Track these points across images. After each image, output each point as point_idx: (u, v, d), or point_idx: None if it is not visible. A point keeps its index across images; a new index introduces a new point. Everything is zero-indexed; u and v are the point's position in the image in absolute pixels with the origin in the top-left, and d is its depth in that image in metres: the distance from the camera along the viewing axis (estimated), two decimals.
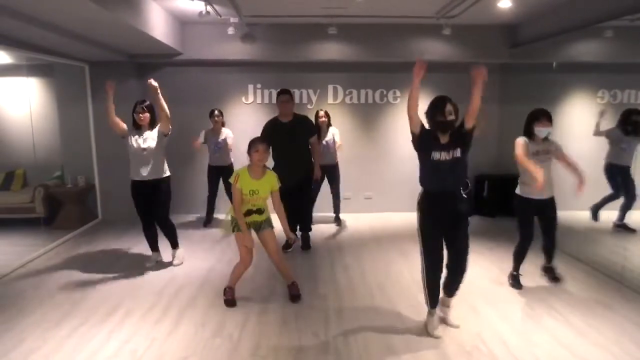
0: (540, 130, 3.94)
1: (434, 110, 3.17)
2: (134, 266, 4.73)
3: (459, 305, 3.79)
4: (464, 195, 3.23)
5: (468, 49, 6.58)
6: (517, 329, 3.44)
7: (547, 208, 4.10)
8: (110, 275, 4.51)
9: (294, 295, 3.92)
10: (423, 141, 3.18)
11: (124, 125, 4.50)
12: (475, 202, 7.12)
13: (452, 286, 3.44)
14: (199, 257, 5.07)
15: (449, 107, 3.15)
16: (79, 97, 6.39)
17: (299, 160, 4.97)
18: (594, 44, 6.17)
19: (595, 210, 5.60)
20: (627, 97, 6.78)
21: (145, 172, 4.48)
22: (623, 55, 5.96)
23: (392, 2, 5.29)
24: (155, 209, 4.62)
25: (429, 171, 3.20)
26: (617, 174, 5.52)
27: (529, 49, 6.33)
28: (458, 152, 3.16)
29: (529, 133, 4.03)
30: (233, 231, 3.74)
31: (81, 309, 3.75)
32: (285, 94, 4.90)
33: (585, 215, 6.01)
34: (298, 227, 5.24)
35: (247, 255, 3.78)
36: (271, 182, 3.74)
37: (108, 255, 5.12)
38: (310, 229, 5.36)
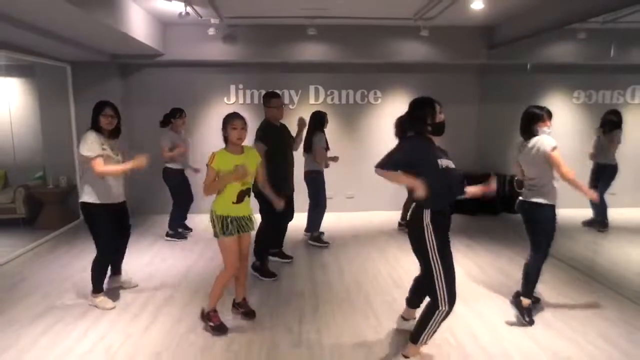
0: (544, 130, 3.55)
1: (428, 111, 2.82)
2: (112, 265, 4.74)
3: None
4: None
5: (447, 50, 6.70)
6: (488, 323, 3.54)
7: None
8: (87, 276, 4.48)
9: (249, 312, 3.62)
10: (423, 151, 2.79)
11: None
12: (455, 200, 7.23)
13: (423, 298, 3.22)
14: (178, 256, 5.11)
15: (438, 107, 2.85)
16: (61, 97, 6.39)
17: (292, 166, 4.63)
18: (568, 46, 6.33)
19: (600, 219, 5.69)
20: (601, 97, 6.95)
21: (120, 193, 3.86)
22: (596, 56, 6.12)
23: (370, 4, 5.39)
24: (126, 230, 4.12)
25: (439, 184, 2.71)
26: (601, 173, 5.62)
27: (507, 50, 6.47)
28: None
29: (529, 133, 3.62)
30: (217, 235, 3.27)
31: (57, 308, 3.78)
32: (277, 98, 4.39)
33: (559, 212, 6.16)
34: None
35: (236, 261, 3.33)
36: (254, 154, 3.40)
37: (86, 256, 5.12)
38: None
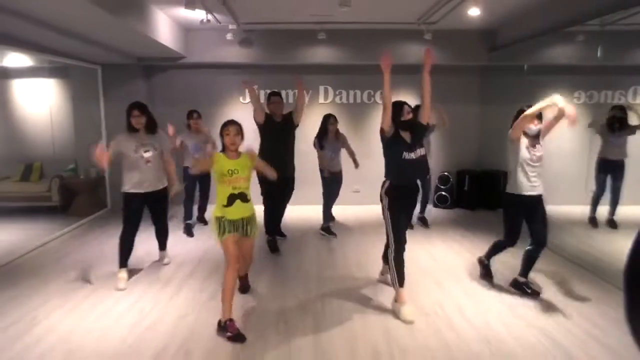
0: (530, 128, 3.92)
1: (397, 111, 3.59)
2: (139, 248, 5.10)
3: (426, 279, 4.37)
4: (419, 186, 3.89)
5: (449, 53, 7.10)
6: (476, 300, 3.93)
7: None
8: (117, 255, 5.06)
9: (244, 287, 4.03)
10: (393, 142, 3.62)
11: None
12: (456, 195, 7.65)
13: None
14: (197, 240, 5.66)
15: (406, 108, 3.65)
16: (92, 96, 6.99)
17: (287, 158, 5.18)
18: (568, 48, 6.55)
19: (593, 216, 5.91)
20: (603, 97, 7.17)
21: (148, 184, 4.28)
22: (594, 58, 6.35)
23: (375, 9, 5.83)
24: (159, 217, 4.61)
25: (399, 168, 3.64)
26: (607, 169, 5.76)
27: (507, 52, 6.78)
28: (422, 151, 3.64)
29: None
30: (218, 235, 3.38)
31: (95, 279, 4.34)
32: (276, 96, 5.16)
33: (561, 209, 6.47)
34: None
35: (235, 261, 3.36)
36: (247, 160, 3.44)
37: (115, 239, 5.58)
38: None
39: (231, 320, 3.29)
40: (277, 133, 5.11)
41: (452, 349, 3.12)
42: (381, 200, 3.77)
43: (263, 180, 4.59)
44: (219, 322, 3.36)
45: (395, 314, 3.62)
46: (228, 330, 3.25)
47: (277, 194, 5.13)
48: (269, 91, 7.24)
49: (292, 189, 5.44)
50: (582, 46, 6.24)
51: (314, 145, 5.82)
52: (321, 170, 5.82)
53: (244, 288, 4.05)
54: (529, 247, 4.00)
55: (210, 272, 4.55)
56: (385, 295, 3.99)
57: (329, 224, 6.08)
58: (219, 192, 3.36)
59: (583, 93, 7.24)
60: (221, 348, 3.11)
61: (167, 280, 4.32)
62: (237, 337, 3.23)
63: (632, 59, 6.09)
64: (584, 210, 6.15)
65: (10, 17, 4.05)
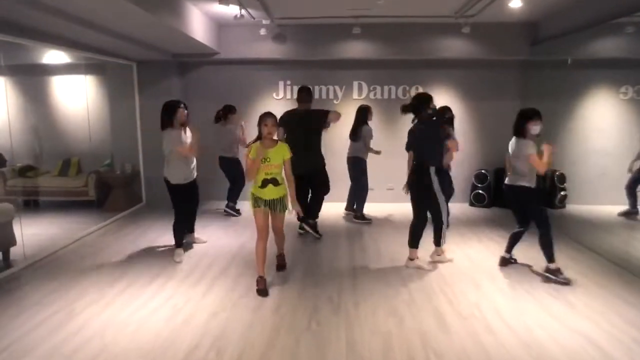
0: (534, 128, 4.19)
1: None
2: (172, 243, 5.21)
3: (463, 280, 4.24)
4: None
5: (488, 47, 6.87)
6: (513, 301, 3.79)
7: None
8: (152, 250, 5.12)
9: (280, 265, 4.48)
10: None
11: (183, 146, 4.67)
12: (494, 194, 7.41)
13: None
14: (231, 236, 5.63)
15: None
16: (127, 93, 7.09)
17: (306, 149, 5.20)
18: (614, 40, 6.27)
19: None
20: None
21: (192, 173, 4.86)
22: None
23: (411, 3, 5.68)
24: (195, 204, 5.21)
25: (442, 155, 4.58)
26: None
27: (549, 46, 6.52)
28: None
29: (522, 132, 4.25)
30: (252, 206, 3.97)
31: (129, 275, 4.36)
32: (299, 93, 5.44)
33: (601, 209, 6.24)
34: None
35: (262, 230, 3.95)
36: (282, 151, 3.93)
37: (150, 234, 5.74)
38: (316, 217, 5.64)
39: (262, 277, 3.97)
40: (297, 125, 5.27)
41: (491, 354, 3.00)
42: (427, 183, 4.33)
43: None
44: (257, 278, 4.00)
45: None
46: (257, 285, 3.95)
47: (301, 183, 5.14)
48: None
49: (320, 184, 5.49)
50: (631, 38, 5.95)
51: (360, 135, 6.14)
52: (359, 158, 6.22)
53: (280, 266, 4.47)
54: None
55: (244, 268, 4.52)
56: (421, 296, 3.87)
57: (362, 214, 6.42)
58: (256, 176, 3.88)
59: (630, 88, 6.91)
60: (252, 347, 3.07)
61: (199, 277, 4.31)
62: (261, 292, 3.89)
63: None
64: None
65: (49, 16, 4.11)
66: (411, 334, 3.25)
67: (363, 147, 6.15)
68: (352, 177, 6.37)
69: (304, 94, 5.37)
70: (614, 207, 6.59)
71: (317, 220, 5.64)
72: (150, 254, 4.99)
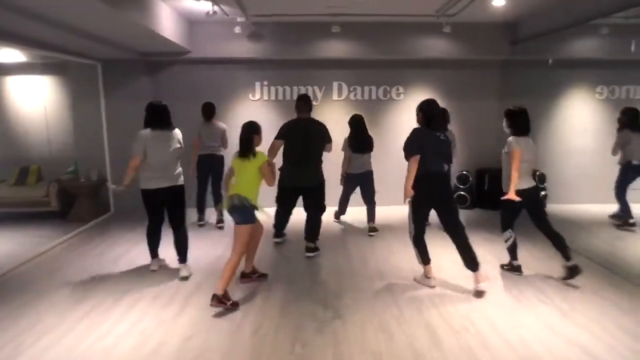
0: None
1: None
2: (143, 257, 4.85)
3: (452, 289, 4.03)
4: None
5: (469, 46, 6.73)
6: (506, 311, 3.61)
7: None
8: (121, 265, 4.73)
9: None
10: None
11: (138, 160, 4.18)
12: (476, 195, 7.28)
13: None
14: (205, 248, 5.26)
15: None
16: (92, 94, 6.64)
17: (310, 163, 4.90)
18: (591, 41, 6.32)
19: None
20: (625, 92, 6.90)
21: (165, 180, 4.25)
22: (619, 51, 6.07)
23: (392, 1, 5.45)
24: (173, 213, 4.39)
25: None
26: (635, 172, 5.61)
27: (529, 46, 6.46)
28: None
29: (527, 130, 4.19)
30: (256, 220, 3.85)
31: (94, 295, 3.96)
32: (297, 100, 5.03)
33: (581, 208, 6.18)
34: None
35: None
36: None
37: (119, 247, 5.34)
38: (317, 238, 5.14)
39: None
40: (300, 137, 4.89)
41: None
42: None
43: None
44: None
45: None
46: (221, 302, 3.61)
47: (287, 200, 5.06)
48: (287, 88, 6.97)
49: (317, 204, 5.03)
50: (606, 39, 6.02)
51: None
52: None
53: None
54: None
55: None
56: (411, 309, 3.64)
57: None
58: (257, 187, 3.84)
59: (605, 88, 6.95)
60: None
61: (171, 295, 3.96)
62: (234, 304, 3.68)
63: None
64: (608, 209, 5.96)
65: (1, 10, 3.71)
66: (403, 352, 3.02)
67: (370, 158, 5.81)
68: (372, 192, 5.89)
69: (303, 103, 4.95)
70: (593, 205, 6.60)
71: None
72: (118, 269, 4.60)
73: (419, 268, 4.59)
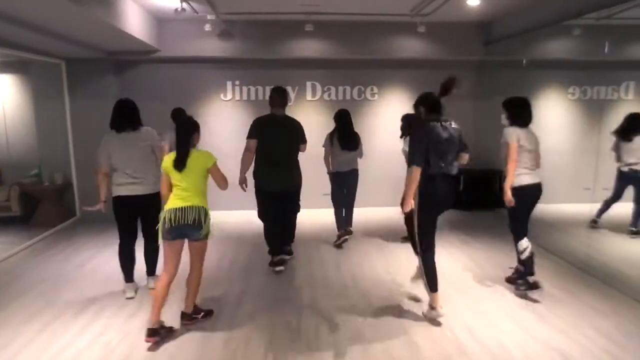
0: None
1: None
2: (109, 264, 4.67)
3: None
4: None
5: (443, 46, 6.71)
6: (483, 316, 3.56)
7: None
8: (86, 272, 4.52)
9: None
10: None
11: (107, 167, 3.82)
12: (456, 195, 7.29)
13: None
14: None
15: None
16: (56, 94, 6.36)
17: (279, 163, 4.44)
18: (564, 42, 6.35)
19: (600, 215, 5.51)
20: (596, 93, 7.00)
21: (139, 187, 3.82)
22: (590, 52, 6.13)
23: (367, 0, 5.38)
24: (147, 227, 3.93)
25: None
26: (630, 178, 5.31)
27: (502, 46, 6.48)
28: None
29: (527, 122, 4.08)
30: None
31: (54, 305, 3.75)
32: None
33: (556, 208, 6.20)
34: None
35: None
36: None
37: (84, 252, 5.12)
38: (292, 241, 5.00)
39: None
40: (277, 135, 4.42)
41: None
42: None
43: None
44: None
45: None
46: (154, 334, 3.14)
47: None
48: (259, 88, 6.78)
49: (294, 205, 4.71)
50: (578, 40, 6.04)
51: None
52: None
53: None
54: None
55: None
56: (387, 315, 3.56)
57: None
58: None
59: (577, 88, 7.03)
60: None
61: (138, 304, 3.79)
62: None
63: (626, 53, 5.85)
64: (587, 210, 5.78)
65: None
66: None
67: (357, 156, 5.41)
68: (354, 195, 5.48)
69: (277, 96, 4.39)
70: (567, 205, 6.63)
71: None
72: (83, 276, 4.39)
73: (393, 271, 4.53)
